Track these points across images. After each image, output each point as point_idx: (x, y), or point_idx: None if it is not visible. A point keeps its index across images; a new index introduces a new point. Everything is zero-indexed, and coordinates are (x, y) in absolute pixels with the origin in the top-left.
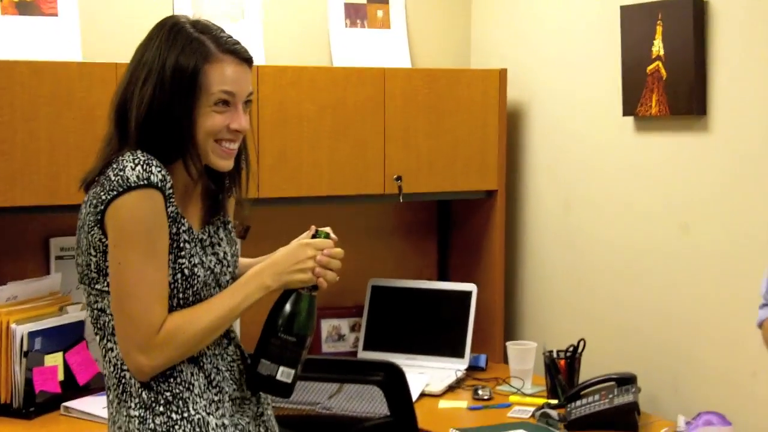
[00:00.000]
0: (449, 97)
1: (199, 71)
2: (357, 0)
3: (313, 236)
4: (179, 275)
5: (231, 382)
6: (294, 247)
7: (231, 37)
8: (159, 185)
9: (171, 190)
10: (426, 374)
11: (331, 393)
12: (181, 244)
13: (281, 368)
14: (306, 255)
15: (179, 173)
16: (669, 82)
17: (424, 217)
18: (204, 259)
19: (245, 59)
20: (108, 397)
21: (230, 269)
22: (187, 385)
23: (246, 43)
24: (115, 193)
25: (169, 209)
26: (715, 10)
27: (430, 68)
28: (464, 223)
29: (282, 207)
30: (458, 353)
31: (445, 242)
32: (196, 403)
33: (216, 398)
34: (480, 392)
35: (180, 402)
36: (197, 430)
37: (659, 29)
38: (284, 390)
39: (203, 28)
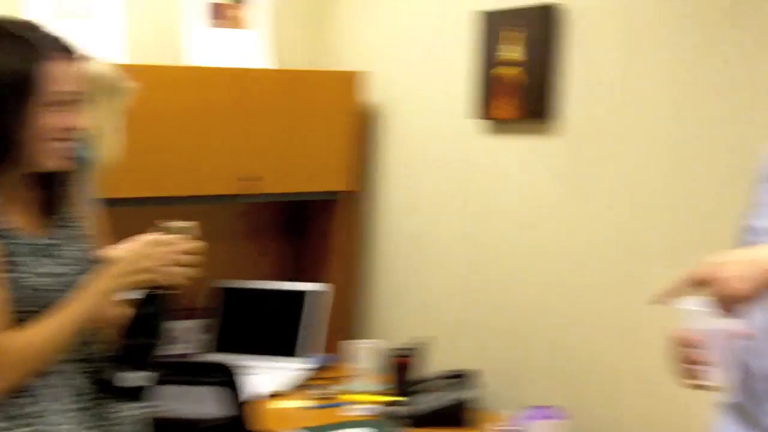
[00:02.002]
0: (306, 98)
1: (29, 71)
2: None
3: (167, 232)
4: (21, 290)
5: (83, 388)
6: (139, 246)
7: (56, 33)
8: None
9: None
10: (274, 374)
11: (172, 395)
12: (15, 259)
13: (134, 372)
14: (151, 253)
15: (6, 184)
16: (521, 86)
17: (278, 218)
18: (49, 265)
19: (73, 55)
20: None
21: (80, 268)
22: (36, 398)
23: (104, 42)
24: None
25: None
26: (567, 17)
27: (289, 69)
28: (316, 224)
29: (137, 207)
30: (306, 353)
31: (297, 243)
32: (46, 414)
33: (74, 406)
34: (326, 391)
35: (30, 418)
36: None
37: (513, 35)
38: (140, 394)
39: (31, 26)
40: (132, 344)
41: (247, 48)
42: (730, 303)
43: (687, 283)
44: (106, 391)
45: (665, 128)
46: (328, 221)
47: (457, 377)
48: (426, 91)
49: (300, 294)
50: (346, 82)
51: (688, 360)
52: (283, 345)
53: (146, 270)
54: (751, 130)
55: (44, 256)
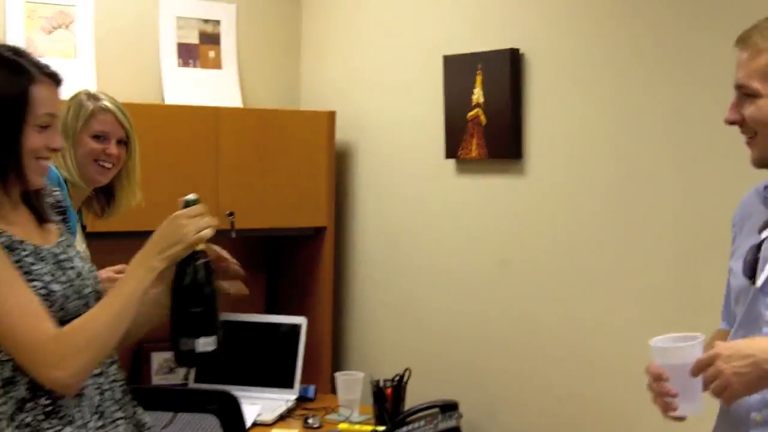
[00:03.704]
0: (280, 136)
1: (25, 92)
2: (189, 40)
3: (183, 207)
4: (37, 298)
5: (111, 402)
6: (166, 224)
7: (42, 61)
8: None
9: None
10: (258, 404)
11: (164, 423)
12: (28, 268)
13: (198, 340)
14: (179, 224)
15: (6, 201)
16: (488, 127)
17: (256, 252)
18: (59, 272)
19: (60, 82)
20: None
21: (89, 282)
22: (69, 419)
23: (79, 80)
24: None
25: (1, 240)
26: (530, 61)
27: (262, 108)
28: (294, 258)
29: (116, 242)
30: (288, 384)
31: (275, 276)
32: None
33: (99, 424)
34: (310, 421)
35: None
36: None
37: (479, 78)
38: (211, 358)
39: (18, 51)
40: (185, 315)
41: (219, 88)
42: (727, 396)
43: (697, 367)
44: (185, 362)
45: (625, 164)
46: (305, 256)
47: (438, 408)
48: (396, 130)
49: (279, 326)
50: (319, 120)
51: (659, 393)
52: (263, 376)
53: (180, 241)
54: (708, 163)
55: (54, 263)
